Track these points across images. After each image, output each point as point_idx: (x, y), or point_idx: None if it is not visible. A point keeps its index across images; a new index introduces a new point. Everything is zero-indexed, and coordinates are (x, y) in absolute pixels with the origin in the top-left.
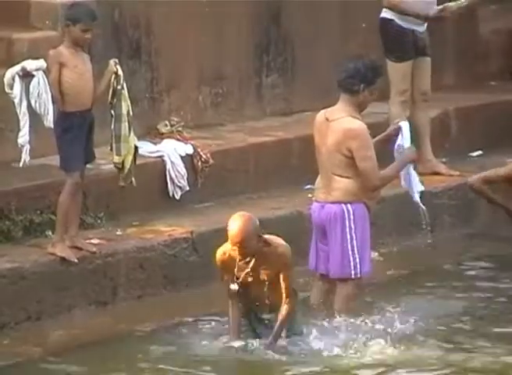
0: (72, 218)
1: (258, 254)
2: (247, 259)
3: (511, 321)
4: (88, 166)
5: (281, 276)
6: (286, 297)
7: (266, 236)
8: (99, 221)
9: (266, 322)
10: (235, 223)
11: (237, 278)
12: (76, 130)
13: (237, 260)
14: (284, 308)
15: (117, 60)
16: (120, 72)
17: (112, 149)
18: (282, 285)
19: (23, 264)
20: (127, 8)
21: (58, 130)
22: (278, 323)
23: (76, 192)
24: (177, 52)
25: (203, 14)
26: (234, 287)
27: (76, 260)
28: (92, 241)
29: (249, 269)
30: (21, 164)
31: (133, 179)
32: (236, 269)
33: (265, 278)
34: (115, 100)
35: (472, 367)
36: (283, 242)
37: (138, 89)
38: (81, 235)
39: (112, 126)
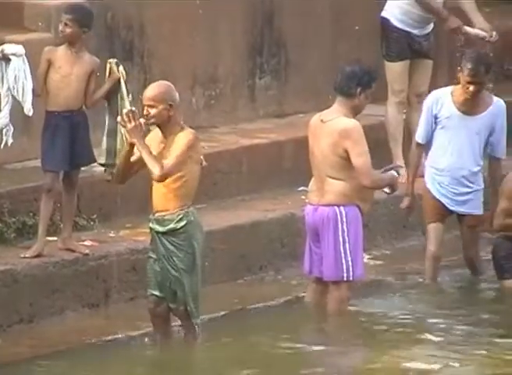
0: (65, 220)
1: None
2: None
3: (506, 323)
4: (82, 168)
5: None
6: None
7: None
8: (92, 223)
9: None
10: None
11: None
12: (52, 129)
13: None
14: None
15: (117, 60)
16: (123, 72)
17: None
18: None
19: (16, 266)
20: (120, 10)
21: (43, 127)
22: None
23: (49, 194)
24: (170, 54)
25: (196, 16)
26: None
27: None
28: (85, 242)
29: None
30: (1, 146)
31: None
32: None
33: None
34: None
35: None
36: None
37: (131, 91)
38: (74, 237)
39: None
